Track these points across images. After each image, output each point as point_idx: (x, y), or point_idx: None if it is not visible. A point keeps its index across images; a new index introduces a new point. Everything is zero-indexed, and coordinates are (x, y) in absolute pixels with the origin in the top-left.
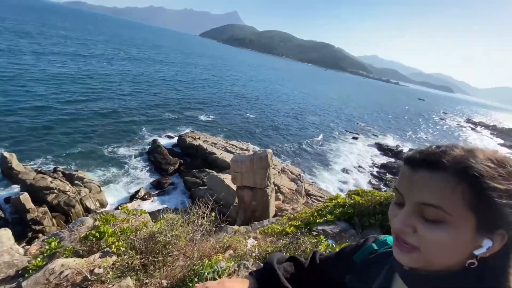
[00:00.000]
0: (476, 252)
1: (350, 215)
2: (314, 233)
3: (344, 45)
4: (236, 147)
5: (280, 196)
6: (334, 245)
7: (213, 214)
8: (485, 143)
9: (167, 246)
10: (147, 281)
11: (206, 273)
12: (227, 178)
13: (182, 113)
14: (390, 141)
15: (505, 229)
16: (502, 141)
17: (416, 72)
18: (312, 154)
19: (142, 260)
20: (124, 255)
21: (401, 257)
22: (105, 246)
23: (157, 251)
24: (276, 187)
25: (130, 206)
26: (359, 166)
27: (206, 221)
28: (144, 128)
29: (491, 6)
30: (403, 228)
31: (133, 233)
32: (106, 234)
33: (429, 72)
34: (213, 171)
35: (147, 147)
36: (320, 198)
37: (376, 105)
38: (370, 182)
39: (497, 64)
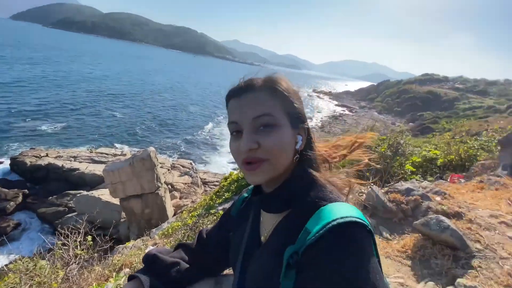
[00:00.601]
0: (297, 146)
1: (246, 186)
2: (213, 211)
3: (206, 30)
4: (107, 154)
5: (176, 194)
6: None
7: (89, 238)
8: (328, 105)
9: None
10: None
11: None
12: (104, 194)
13: (10, 126)
14: None
15: (303, 123)
16: (337, 102)
17: (272, 54)
18: (199, 143)
19: None
20: None
21: (255, 176)
22: None
23: None
24: (170, 186)
25: None
26: None
27: (82, 250)
28: None
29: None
30: (250, 146)
31: None
32: None
33: (281, 53)
34: (82, 191)
35: None
36: (217, 183)
37: None
38: None
39: (325, 44)
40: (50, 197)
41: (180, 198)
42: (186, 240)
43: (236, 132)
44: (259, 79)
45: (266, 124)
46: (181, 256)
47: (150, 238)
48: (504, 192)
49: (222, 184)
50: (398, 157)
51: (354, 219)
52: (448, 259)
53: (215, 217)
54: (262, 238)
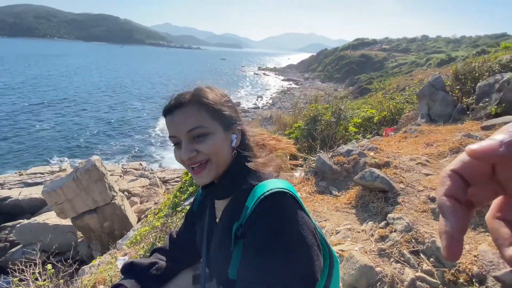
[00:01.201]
0: (232, 144)
1: None
2: (179, 209)
3: (131, 15)
4: (42, 173)
5: (136, 199)
6: None
7: (49, 266)
8: (275, 81)
9: None
10: None
11: None
12: (50, 217)
13: None
14: None
15: (235, 123)
16: (283, 77)
17: (210, 35)
18: (148, 141)
19: None
20: None
21: (201, 178)
22: None
23: None
24: (126, 192)
25: None
26: None
27: (44, 280)
28: None
29: None
30: (190, 154)
31: None
32: None
33: (219, 33)
34: (21, 220)
35: None
36: (178, 179)
37: (191, 73)
38: None
39: (262, 19)
40: None
41: (141, 202)
42: (159, 242)
43: (176, 144)
44: (187, 94)
45: (199, 135)
46: (158, 257)
47: (118, 250)
48: (422, 138)
49: (184, 179)
50: (341, 122)
51: (276, 189)
52: (381, 201)
53: (182, 214)
54: (217, 220)
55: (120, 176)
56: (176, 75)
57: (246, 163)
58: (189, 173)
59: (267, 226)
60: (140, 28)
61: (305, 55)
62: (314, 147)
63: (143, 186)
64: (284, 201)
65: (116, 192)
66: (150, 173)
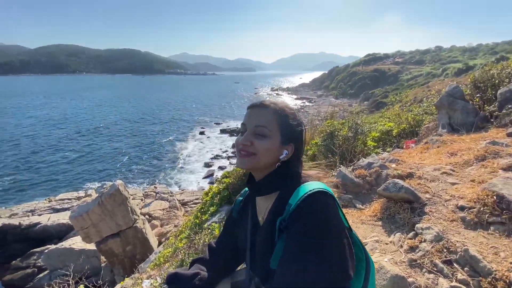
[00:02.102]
0: (280, 157)
1: (228, 196)
2: (205, 226)
3: (150, 48)
4: (69, 199)
5: (156, 222)
6: None
7: (81, 287)
8: (288, 100)
9: None
10: None
11: None
12: (76, 242)
13: None
14: (231, 123)
15: (293, 143)
16: (296, 96)
17: (224, 60)
18: (168, 163)
19: None
20: None
21: (243, 162)
22: None
23: None
24: (147, 216)
25: None
26: (217, 155)
27: None
28: None
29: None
30: (245, 142)
31: None
32: None
33: (233, 58)
34: (49, 246)
35: None
36: (197, 201)
37: (206, 97)
38: (231, 163)
39: (273, 42)
40: (14, 262)
41: (162, 225)
42: (188, 258)
43: (241, 132)
44: (272, 103)
45: (261, 133)
46: (199, 268)
47: (140, 273)
48: (444, 148)
49: (204, 200)
50: (359, 136)
51: (319, 189)
52: (408, 212)
53: (209, 230)
54: (260, 219)
55: (141, 199)
56: (194, 100)
57: (293, 168)
58: (208, 194)
59: (309, 221)
60: (159, 59)
61: (317, 74)
62: (334, 162)
63: (163, 209)
64: (325, 200)
65: (138, 216)
66: (170, 196)
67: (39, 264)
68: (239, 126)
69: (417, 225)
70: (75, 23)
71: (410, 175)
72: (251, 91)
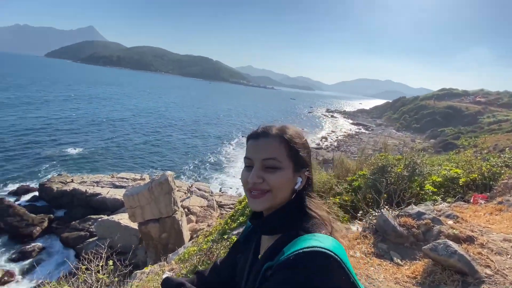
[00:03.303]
0: (296, 187)
1: None
2: (225, 237)
3: (221, 57)
4: (127, 179)
5: (192, 217)
6: None
7: (110, 263)
8: (342, 124)
9: None
10: None
11: None
12: (123, 218)
13: (37, 153)
14: None
15: (306, 169)
16: (351, 121)
17: (284, 77)
18: (215, 165)
19: None
20: None
21: (257, 203)
22: None
23: None
24: (186, 209)
25: None
26: None
27: (103, 274)
28: None
29: (334, 20)
30: (256, 180)
31: None
32: None
33: (293, 76)
34: (103, 216)
35: None
36: (232, 206)
37: (263, 109)
38: None
39: (336, 64)
40: (73, 222)
41: (196, 221)
42: (200, 266)
43: (248, 166)
44: (274, 127)
45: (271, 166)
46: (191, 280)
47: (167, 263)
48: None
49: (236, 208)
50: (416, 177)
51: (320, 249)
52: (457, 285)
53: (228, 242)
54: (259, 257)
55: (185, 193)
56: (249, 109)
57: (305, 206)
58: (242, 203)
59: (287, 280)
60: (226, 68)
61: (379, 102)
62: (378, 202)
63: (201, 207)
64: (321, 265)
65: (178, 208)
66: (210, 195)
67: (91, 229)
68: None
69: None
70: (162, 28)
71: (469, 239)
72: (306, 109)
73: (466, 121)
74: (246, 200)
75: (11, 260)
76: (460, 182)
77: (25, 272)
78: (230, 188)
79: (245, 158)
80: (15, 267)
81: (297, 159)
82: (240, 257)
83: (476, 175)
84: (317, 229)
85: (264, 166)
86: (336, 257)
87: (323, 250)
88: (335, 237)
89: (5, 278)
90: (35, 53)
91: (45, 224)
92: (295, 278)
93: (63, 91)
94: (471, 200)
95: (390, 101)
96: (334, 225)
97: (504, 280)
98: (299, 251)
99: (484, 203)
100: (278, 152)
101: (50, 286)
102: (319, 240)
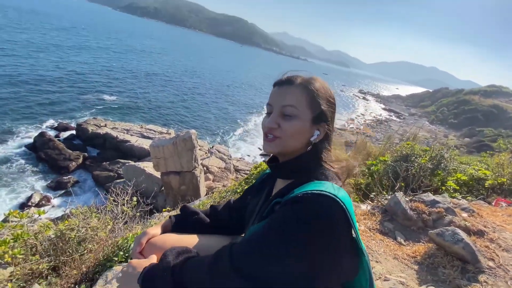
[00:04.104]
0: (312, 139)
1: None
2: (239, 191)
3: (256, 20)
4: (155, 131)
5: (210, 176)
6: None
7: (135, 198)
8: (374, 108)
9: (82, 243)
10: (62, 282)
11: (132, 245)
12: (148, 166)
13: (77, 95)
14: None
15: (326, 123)
16: (383, 106)
17: (320, 49)
18: (237, 131)
19: (51, 264)
20: (26, 263)
21: (268, 146)
22: None
23: (71, 251)
24: (205, 168)
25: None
26: None
27: (128, 207)
28: (23, 119)
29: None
30: (272, 125)
31: (33, 237)
32: None
33: (329, 49)
34: (130, 161)
35: (31, 143)
36: (247, 171)
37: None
38: None
39: (378, 42)
40: (104, 163)
41: (213, 180)
42: None
43: (268, 113)
44: (298, 77)
45: (289, 113)
46: (205, 211)
47: None
48: None
49: (252, 172)
50: (439, 171)
51: (328, 193)
52: (456, 270)
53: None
54: (271, 197)
55: (206, 153)
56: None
57: (321, 157)
58: (257, 168)
59: (291, 212)
60: (261, 33)
61: (418, 89)
62: (394, 187)
63: (219, 168)
64: (329, 207)
65: (198, 165)
66: (228, 159)
67: (119, 172)
68: None
69: None
70: None
71: (480, 233)
72: (338, 87)
73: (509, 124)
74: (262, 167)
75: (49, 187)
76: (486, 184)
77: (60, 199)
78: (248, 155)
79: (267, 104)
80: (52, 194)
81: (317, 111)
82: (252, 199)
83: (505, 180)
84: (329, 179)
85: (283, 113)
86: (342, 204)
87: (331, 195)
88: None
89: (43, 202)
90: None
91: (80, 160)
92: (297, 212)
93: (104, 40)
94: (493, 203)
95: (431, 90)
96: (347, 180)
97: (505, 274)
98: (308, 192)
99: (506, 206)
100: (298, 100)
101: (82, 211)
102: (328, 187)
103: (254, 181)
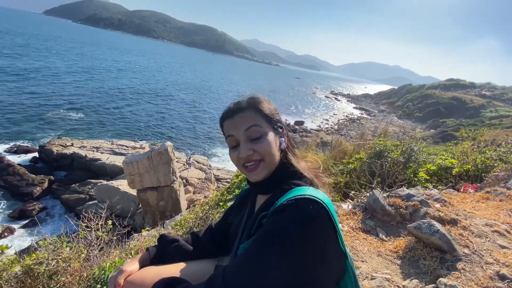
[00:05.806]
0: (282, 146)
1: None
2: (221, 204)
3: (226, 29)
4: (127, 146)
5: (190, 188)
6: None
7: (109, 222)
8: (345, 107)
9: (53, 277)
10: None
11: (110, 275)
12: (122, 184)
13: (39, 114)
14: (286, 118)
15: (284, 129)
16: (355, 105)
17: (291, 54)
18: (215, 139)
19: None
20: None
21: (256, 175)
22: None
23: (41, 287)
24: (184, 180)
25: None
26: None
27: (103, 232)
28: None
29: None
30: (248, 153)
31: None
32: None
33: (300, 54)
34: (102, 180)
35: None
36: (229, 180)
37: (267, 87)
38: None
39: (345, 45)
40: (73, 185)
41: (194, 192)
42: (196, 229)
43: (233, 147)
44: (244, 101)
45: (255, 136)
46: (185, 238)
47: (164, 228)
48: (507, 204)
49: (233, 181)
50: (411, 164)
51: (311, 197)
52: (435, 261)
53: (223, 208)
54: (255, 211)
55: (184, 164)
56: (250, 85)
57: (294, 167)
58: (238, 176)
59: (279, 222)
60: (231, 41)
61: (385, 87)
62: (371, 184)
63: (199, 179)
64: (312, 209)
65: (177, 178)
66: (208, 169)
67: (91, 193)
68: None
69: (441, 279)
70: None
71: (453, 222)
72: (310, 89)
73: (468, 113)
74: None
75: (12, 217)
76: (453, 172)
77: (25, 230)
78: (229, 161)
79: (227, 138)
80: (15, 225)
81: (274, 122)
82: (235, 217)
83: (470, 166)
84: (307, 184)
85: (249, 137)
86: (325, 205)
87: (313, 197)
88: (324, 191)
89: (5, 234)
90: (33, 9)
91: (45, 184)
92: (284, 219)
93: (67, 54)
94: (462, 190)
95: (396, 87)
96: (323, 180)
97: (480, 260)
98: (291, 198)
99: (473, 192)
100: (256, 119)
101: (51, 241)
102: (309, 191)
103: (236, 191)
